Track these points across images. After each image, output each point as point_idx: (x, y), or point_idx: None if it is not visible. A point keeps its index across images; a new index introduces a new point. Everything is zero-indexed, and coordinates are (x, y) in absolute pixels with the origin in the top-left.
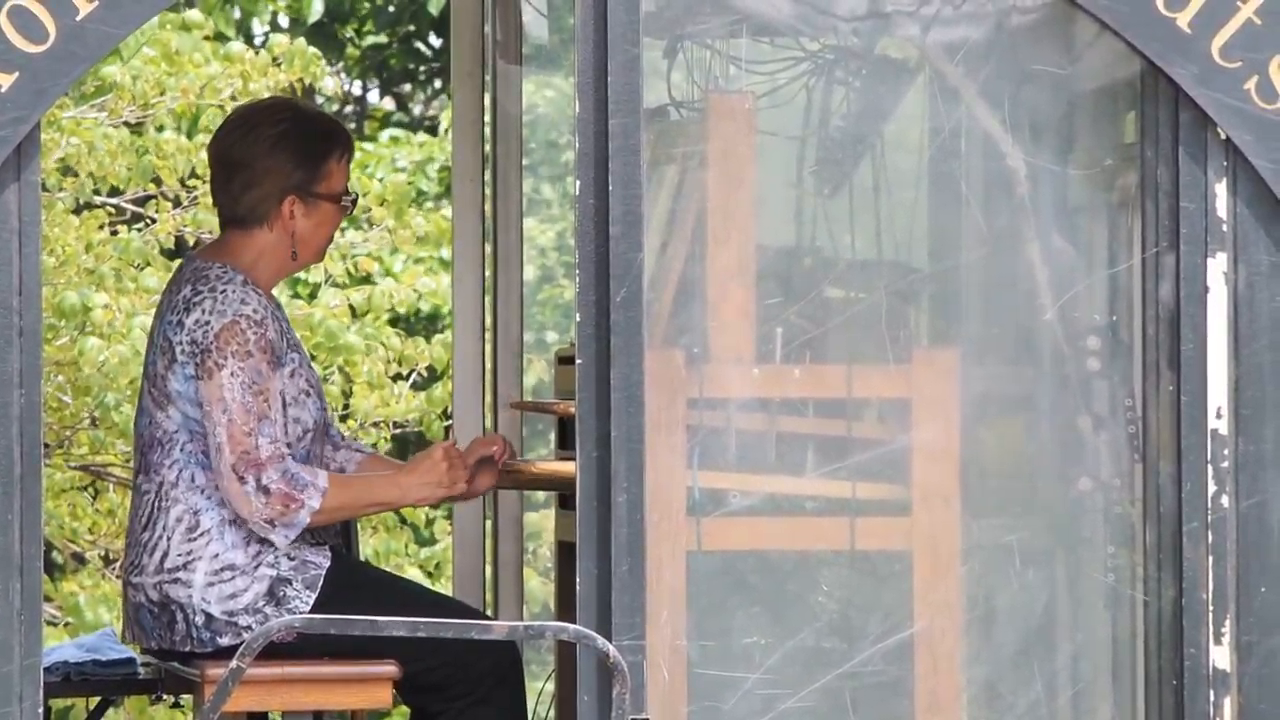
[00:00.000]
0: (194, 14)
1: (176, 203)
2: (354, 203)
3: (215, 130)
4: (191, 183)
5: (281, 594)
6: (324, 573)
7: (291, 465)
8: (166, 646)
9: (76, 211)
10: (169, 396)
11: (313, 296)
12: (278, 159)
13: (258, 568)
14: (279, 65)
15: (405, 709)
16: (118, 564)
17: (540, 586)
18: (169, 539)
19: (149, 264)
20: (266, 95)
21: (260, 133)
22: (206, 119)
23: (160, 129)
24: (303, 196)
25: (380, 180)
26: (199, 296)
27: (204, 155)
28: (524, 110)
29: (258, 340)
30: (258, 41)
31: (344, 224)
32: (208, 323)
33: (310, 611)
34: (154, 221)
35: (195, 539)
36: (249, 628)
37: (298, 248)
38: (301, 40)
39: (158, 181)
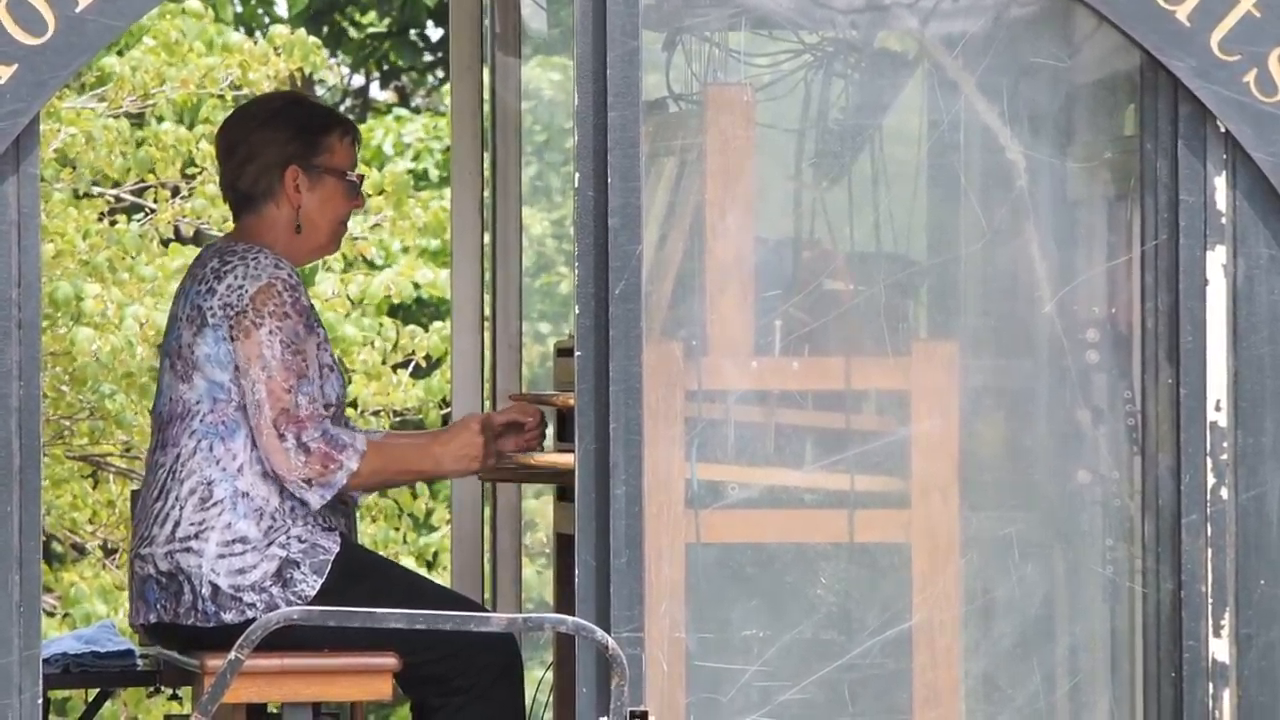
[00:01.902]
0: (194, 3)
1: (175, 192)
2: (361, 180)
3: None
4: (190, 170)
5: (289, 576)
6: (332, 558)
7: (330, 426)
8: (169, 619)
9: (79, 198)
10: (195, 364)
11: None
12: (274, 130)
13: (269, 546)
14: (279, 54)
15: (405, 701)
16: (116, 555)
17: (535, 575)
18: (181, 509)
19: (142, 253)
20: (266, 84)
21: (257, 111)
22: (207, 109)
23: (160, 119)
24: (304, 168)
25: (380, 170)
26: (228, 266)
27: (204, 146)
28: (529, 95)
29: (294, 303)
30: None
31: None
32: (242, 286)
33: (315, 597)
34: (153, 212)
35: (208, 509)
36: (254, 605)
37: (303, 223)
38: (302, 30)
39: (154, 173)
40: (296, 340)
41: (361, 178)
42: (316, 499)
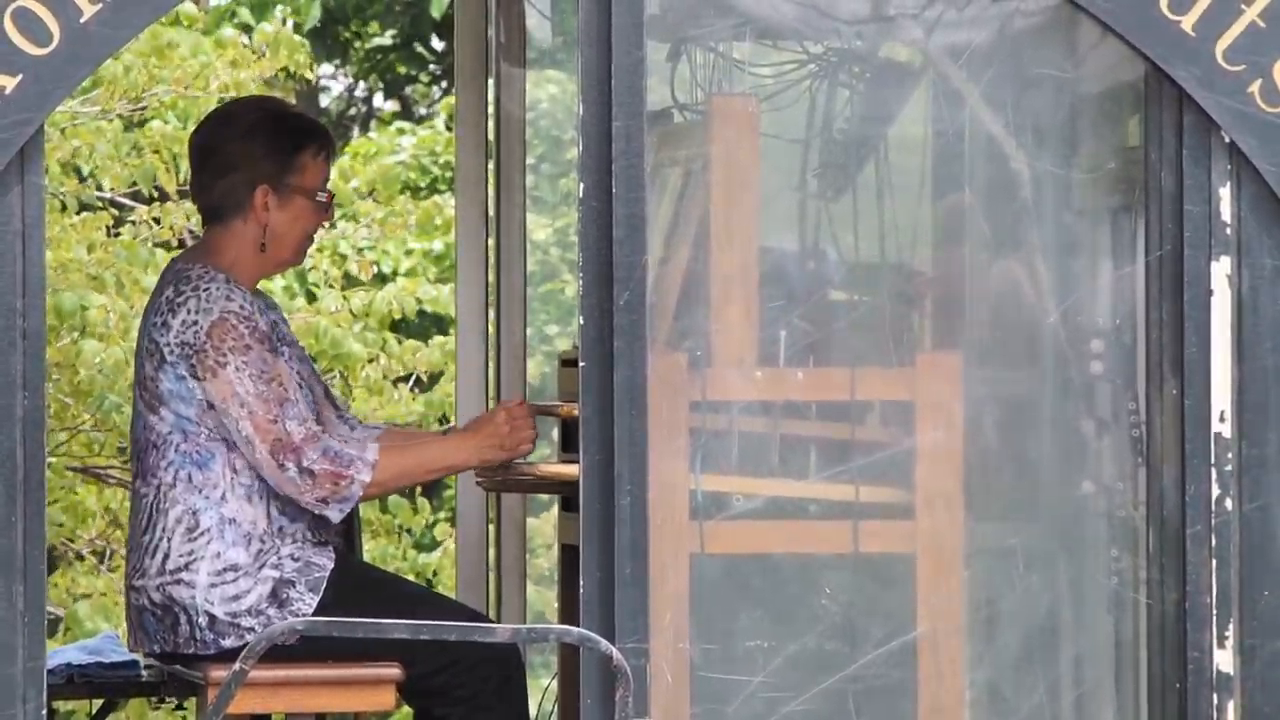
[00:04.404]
0: (188, 6)
1: (169, 197)
2: (331, 199)
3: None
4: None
5: (285, 596)
6: (327, 575)
7: (331, 443)
8: (170, 649)
9: (79, 211)
10: (160, 398)
11: (312, 298)
12: (249, 146)
13: (261, 569)
14: (263, 56)
15: (408, 711)
16: (106, 565)
17: (536, 593)
18: (169, 540)
19: (149, 266)
20: (253, 86)
21: (235, 121)
22: (198, 107)
23: (153, 118)
24: (275, 187)
25: (368, 164)
26: (182, 297)
27: None
28: (528, 106)
29: (252, 331)
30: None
31: (336, 213)
32: (195, 322)
33: (313, 614)
34: (158, 223)
35: (196, 539)
36: (252, 629)
37: (269, 241)
38: (287, 28)
39: (160, 191)
40: (266, 368)
41: (332, 196)
42: (336, 514)
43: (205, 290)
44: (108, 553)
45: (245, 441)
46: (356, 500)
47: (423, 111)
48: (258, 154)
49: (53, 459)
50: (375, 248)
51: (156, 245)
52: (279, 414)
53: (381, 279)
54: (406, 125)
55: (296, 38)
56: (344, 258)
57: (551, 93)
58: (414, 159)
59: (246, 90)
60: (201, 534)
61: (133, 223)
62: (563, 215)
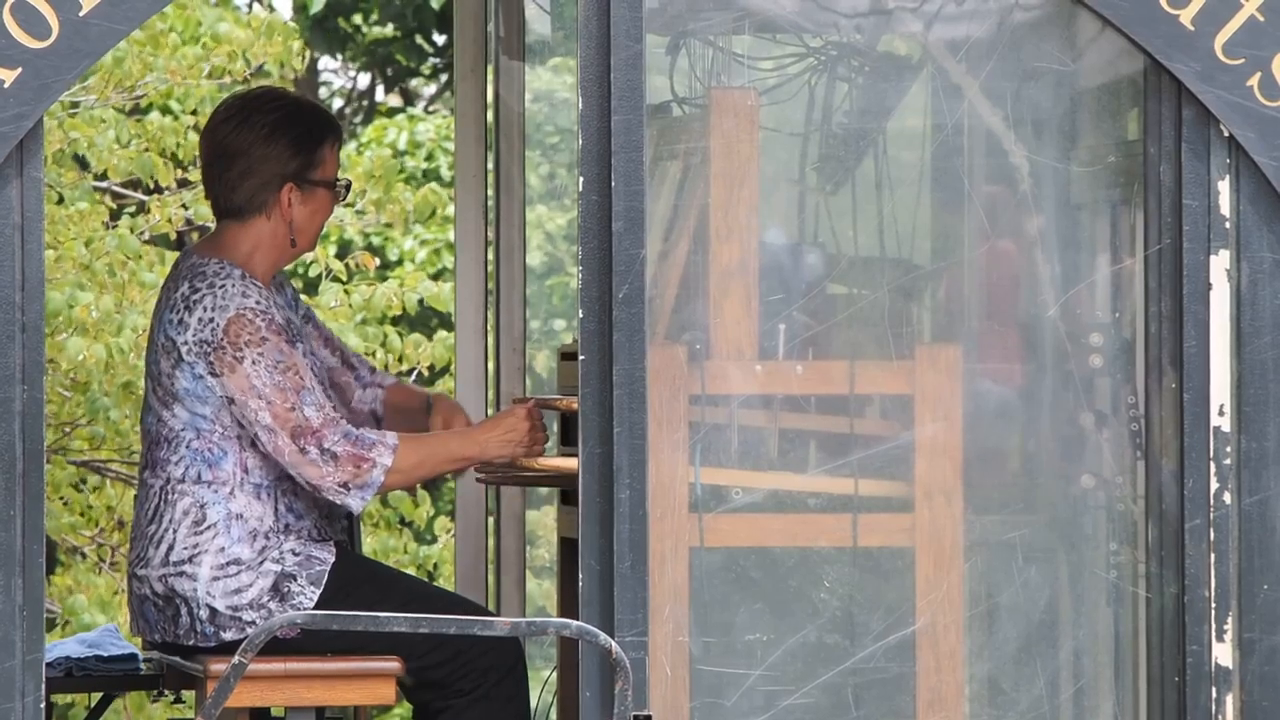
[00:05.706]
0: None
1: (180, 184)
2: (347, 189)
3: (208, 121)
4: (191, 174)
5: (286, 589)
6: (329, 569)
7: (350, 427)
8: (170, 640)
9: (98, 200)
10: (175, 395)
11: (312, 289)
12: (275, 147)
13: (263, 563)
14: (261, 35)
15: (408, 705)
16: (108, 561)
17: (535, 587)
18: (175, 532)
19: (140, 257)
20: (248, 71)
21: (255, 121)
22: (194, 101)
23: (152, 107)
24: (300, 184)
25: (367, 154)
26: (198, 294)
27: (194, 137)
28: (542, 97)
29: (268, 325)
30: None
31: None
32: (212, 320)
33: (314, 608)
34: (161, 202)
35: (201, 532)
36: (253, 623)
37: (296, 236)
38: (278, 14)
39: (157, 186)
40: (283, 357)
41: (349, 183)
42: (358, 502)
43: (221, 287)
44: (109, 551)
45: (267, 430)
46: (379, 488)
47: (423, 105)
48: (284, 155)
49: (52, 458)
50: (382, 235)
51: (152, 239)
52: (296, 401)
53: (386, 266)
54: (419, 113)
55: (289, 23)
56: (350, 243)
57: (570, 82)
58: (434, 140)
59: (239, 74)
60: (208, 528)
61: (130, 214)
62: (570, 210)
